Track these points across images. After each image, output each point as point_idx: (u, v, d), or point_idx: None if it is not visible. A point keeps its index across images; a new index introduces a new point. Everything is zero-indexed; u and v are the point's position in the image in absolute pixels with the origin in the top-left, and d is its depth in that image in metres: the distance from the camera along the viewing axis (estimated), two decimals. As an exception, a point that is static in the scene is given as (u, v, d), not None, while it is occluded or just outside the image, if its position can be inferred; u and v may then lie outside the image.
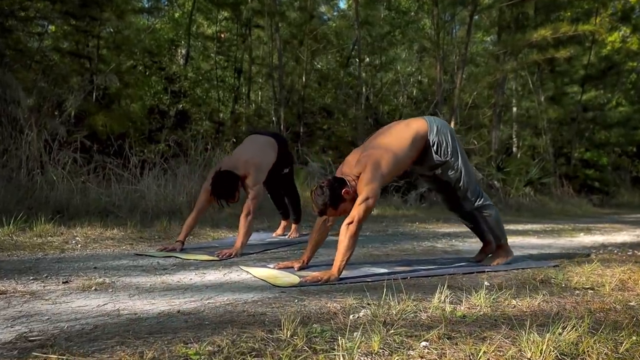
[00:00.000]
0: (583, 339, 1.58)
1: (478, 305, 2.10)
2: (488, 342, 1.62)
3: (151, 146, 8.96)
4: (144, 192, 5.94)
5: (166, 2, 13.87)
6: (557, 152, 15.15)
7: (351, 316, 1.92)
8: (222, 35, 14.07)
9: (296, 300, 2.19)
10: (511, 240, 4.93)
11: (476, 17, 12.21)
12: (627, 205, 14.57)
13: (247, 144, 4.03)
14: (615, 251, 4.15)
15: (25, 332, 1.66)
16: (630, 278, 2.77)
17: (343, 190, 2.76)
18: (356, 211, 2.69)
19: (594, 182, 15.10)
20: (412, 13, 15.27)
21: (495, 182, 10.58)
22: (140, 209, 5.41)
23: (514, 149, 14.61)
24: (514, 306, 2.13)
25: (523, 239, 5.03)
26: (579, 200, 12.42)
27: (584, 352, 1.51)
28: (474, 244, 4.20)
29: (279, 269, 2.94)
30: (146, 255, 3.35)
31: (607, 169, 16.16)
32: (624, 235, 5.64)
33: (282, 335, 1.63)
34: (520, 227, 6.55)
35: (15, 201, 4.99)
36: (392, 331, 1.71)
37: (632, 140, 18.48)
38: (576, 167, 14.77)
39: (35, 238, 3.81)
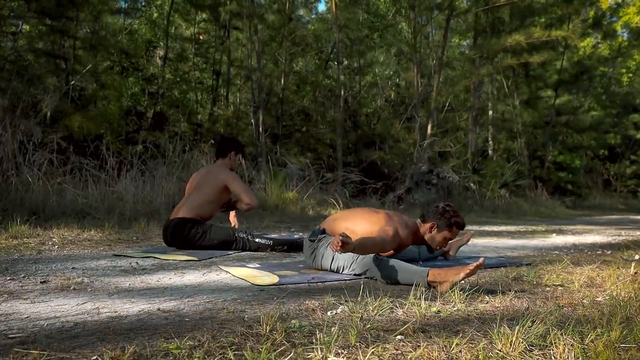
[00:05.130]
0: (551, 331, 1.65)
1: (452, 301, 2.16)
2: (461, 335, 1.68)
3: (128, 147, 8.90)
4: (122, 194, 5.92)
5: (144, 2, 13.76)
6: (532, 155, 15.44)
7: (329, 312, 1.97)
8: (201, 37, 14.03)
9: (275, 299, 2.22)
10: (486, 241, 5.05)
11: (452, 21, 12.40)
12: (599, 207, 14.92)
13: None
14: (586, 251, 4.28)
15: (5, 330, 1.66)
16: (598, 275, 2.87)
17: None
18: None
19: (567, 184, 15.44)
20: (390, 16, 15.42)
21: (472, 184, 10.75)
22: (118, 211, 5.39)
23: (490, 152, 14.85)
24: (487, 302, 2.19)
25: (497, 240, 5.14)
26: (552, 202, 12.68)
27: (552, 343, 1.58)
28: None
29: (259, 266, 2.97)
30: (125, 255, 3.35)
31: (580, 172, 16.53)
32: (595, 236, 5.80)
33: (261, 331, 1.66)
34: (495, 228, 6.68)
35: (-11, 202, 4.94)
36: (368, 326, 1.75)
37: (604, 143, 18.96)
38: (550, 169, 15.08)
39: (10, 239, 3.78)
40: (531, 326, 1.71)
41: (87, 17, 9.86)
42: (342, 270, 2.82)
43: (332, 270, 2.89)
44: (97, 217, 5.18)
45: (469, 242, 4.54)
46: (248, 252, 3.69)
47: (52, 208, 5.16)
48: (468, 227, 6.58)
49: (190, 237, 3.71)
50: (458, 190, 10.26)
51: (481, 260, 2.40)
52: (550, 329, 1.67)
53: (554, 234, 5.98)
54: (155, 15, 14.10)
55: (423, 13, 12.11)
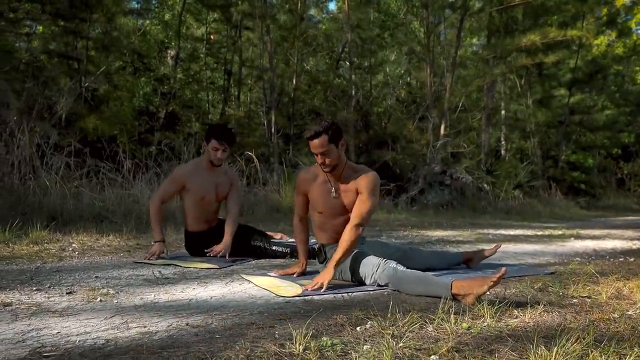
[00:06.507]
0: (590, 352, 1.62)
1: (481, 316, 2.14)
2: (496, 355, 1.66)
3: (142, 149, 8.92)
4: (138, 197, 5.93)
5: (156, 3, 13.79)
6: (545, 155, 15.32)
7: (358, 328, 1.95)
8: (212, 37, 14.03)
9: (302, 311, 2.21)
10: (503, 247, 4.99)
11: (465, 21, 12.30)
12: (613, 208, 14.78)
13: None
14: (607, 257, 4.23)
15: (38, 347, 1.66)
16: (625, 286, 2.83)
17: (342, 139, 2.84)
18: (364, 214, 2.80)
19: (580, 184, 15.30)
20: (402, 15, 15.34)
21: (485, 185, 10.68)
22: (135, 214, 5.40)
23: (503, 152, 14.75)
24: (516, 316, 2.17)
25: (515, 245, 5.09)
26: (566, 203, 12.58)
27: (590, 365, 1.56)
28: (468, 250, 4.25)
29: (281, 276, 2.97)
30: (145, 263, 3.35)
31: (594, 171, 16.37)
32: (614, 241, 5.73)
33: (294, 350, 1.65)
34: (511, 232, 6.63)
35: (7, 207, 4.96)
36: (401, 344, 1.74)
37: (618, 142, 18.76)
38: (564, 169, 14.95)
39: (31, 245, 3.79)
40: (565, 344, 1.68)
41: (100, 18, 9.89)
42: (366, 280, 2.79)
43: (355, 281, 2.86)
44: (114, 220, 5.19)
45: (489, 247, 4.50)
46: (267, 260, 3.68)
47: (70, 212, 5.18)
48: (483, 230, 6.55)
49: (206, 248, 3.70)
50: (472, 191, 10.19)
51: (503, 270, 2.38)
52: (589, 350, 1.64)
53: (572, 238, 5.92)
54: (168, 16, 14.12)
55: (437, 12, 12.03)
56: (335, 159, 2.82)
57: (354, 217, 2.80)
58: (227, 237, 3.53)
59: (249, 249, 3.76)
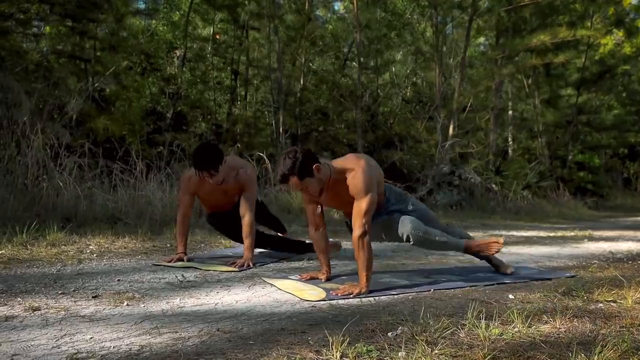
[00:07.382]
0: (630, 360, 1.61)
1: (511, 322, 2.13)
2: (534, 362, 1.65)
3: (152, 150, 8.92)
4: (150, 198, 5.92)
5: (163, 3, 13.78)
6: (553, 155, 15.28)
7: (389, 334, 1.94)
8: (217, 36, 14.01)
9: (330, 317, 2.21)
10: (518, 248, 4.99)
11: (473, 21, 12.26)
12: (621, 208, 14.74)
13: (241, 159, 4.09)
14: (625, 260, 4.21)
15: (75, 354, 1.66)
16: (649, 290, 2.81)
17: (314, 165, 2.64)
18: (364, 216, 2.63)
19: (587, 184, 15.26)
20: (408, 15, 15.29)
21: (494, 186, 10.66)
22: (148, 215, 5.40)
23: (510, 152, 14.71)
24: (546, 322, 2.16)
25: (530, 247, 5.07)
26: (574, 203, 12.55)
27: (631, 374, 1.55)
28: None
29: (305, 280, 2.96)
30: (165, 266, 3.35)
31: (601, 171, 16.32)
32: (628, 242, 5.71)
33: (331, 357, 1.65)
34: (523, 233, 6.61)
35: (22, 208, 4.97)
36: (436, 351, 1.73)
37: (624, 142, 18.71)
38: (572, 169, 14.91)
39: (49, 247, 3.79)
40: (602, 351, 1.67)
41: (108, 18, 9.88)
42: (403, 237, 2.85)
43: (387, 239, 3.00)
44: (127, 222, 5.19)
45: (505, 250, 4.49)
46: (286, 263, 3.67)
47: (84, 213, 5.18)
48: (496, 232, 6.53)
49: (227, 225, 3.84)
50: (480, 191, 10.17)
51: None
52: (630, 357, 1.63)
53: (586, 240, 5.91)
54: (176, 17, 14.13)
55: (446, 13, 12.00)
56: (316, 187, 2.69)
57: (357, 226, 2.64)
58: (248, 254, 3.45)
59: (264, 239, 3.89)
